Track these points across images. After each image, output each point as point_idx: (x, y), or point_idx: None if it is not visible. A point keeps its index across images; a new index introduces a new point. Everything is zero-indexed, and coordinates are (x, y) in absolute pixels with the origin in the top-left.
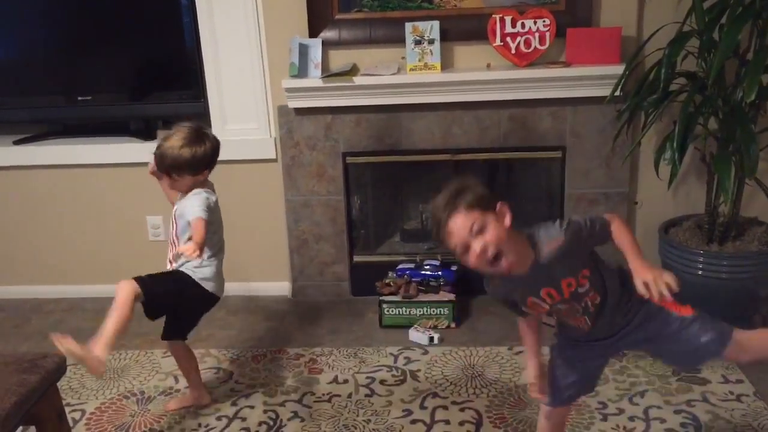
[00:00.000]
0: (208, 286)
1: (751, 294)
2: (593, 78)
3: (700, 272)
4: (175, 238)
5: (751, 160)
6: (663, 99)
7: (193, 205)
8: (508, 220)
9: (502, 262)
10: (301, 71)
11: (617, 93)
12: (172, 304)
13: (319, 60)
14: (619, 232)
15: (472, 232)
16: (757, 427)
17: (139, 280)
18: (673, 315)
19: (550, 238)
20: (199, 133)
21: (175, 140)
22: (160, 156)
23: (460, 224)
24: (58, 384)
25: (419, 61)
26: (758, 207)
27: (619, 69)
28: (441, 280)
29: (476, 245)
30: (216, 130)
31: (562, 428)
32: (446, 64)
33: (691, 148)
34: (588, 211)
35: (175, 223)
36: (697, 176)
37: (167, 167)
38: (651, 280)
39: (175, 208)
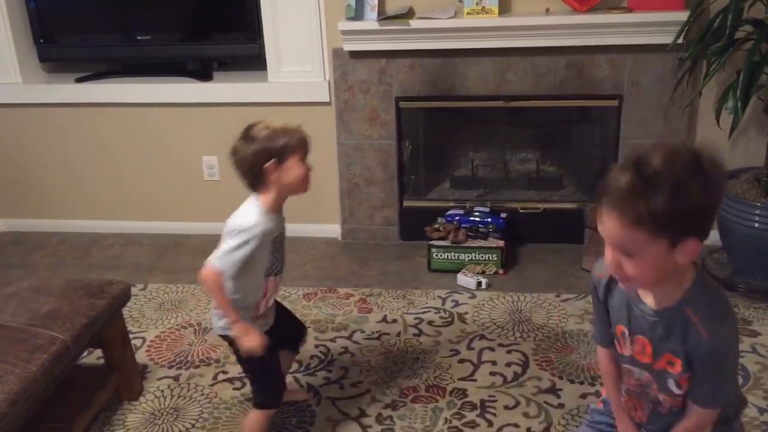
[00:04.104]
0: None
1: None
2: (655, 24)
3: (756, 224)
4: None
5: None
6: (728, 47)
7: None
8: (685, 260)
9: (629, 287)
10: (358, 13)
11: (680, 41)
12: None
13: (376, 2)
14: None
15: (619, 247)
16: None
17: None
18: None
19: (706, 320)
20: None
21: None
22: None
23: (610, 229)
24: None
25: (476, 4)
26: None
27: (683, 15)
28: (490, 227)
29: (613, 258)
30: (271, 72)
31: None
32: (504, 8)
33: (753, 98)
34: None
35: (281, 253)
36: (758, 128)
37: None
38: None
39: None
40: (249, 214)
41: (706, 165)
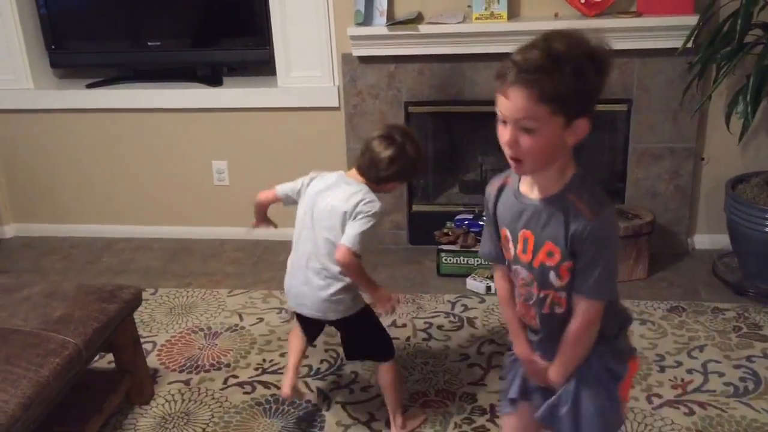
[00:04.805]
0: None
1: None
2: (664, 29)
3: (767, 229)
4: None
5: None
6: (737, 51)
7: None
8: (574, 140)
9: (522, 167)
10: (367, 19)
11: (689, 45)
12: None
13: (385, 8)
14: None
15: (520, 123)
16: None
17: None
18: (614, 395)
19: (589, 203)
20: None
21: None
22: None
23: (514, 103)
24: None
25: (485, 9)
26: None
27: (692, 20)
28: None
29: (511, 136)
30: (281, 77)
31: None
32: (513, 13)
33: (763, 102)
34: (651, 165)
35: None
36: None
37: None
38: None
39: None
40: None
41: (598, 51)
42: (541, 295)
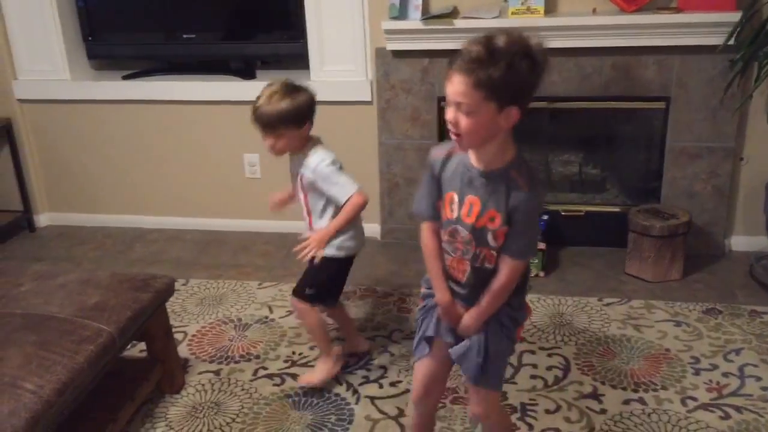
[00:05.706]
0: (348, 252)
1: None
2: (706, 25)
3: None
4: (305, 204)
5: None
6: None
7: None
8: (506, 124)
9: (461, 144)
10: (402, 13)
11: (731, 42)
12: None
13: (420, 2)
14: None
15: (460, 105)
16: None
17: (310, 300)
18: (513, 335)
19: (527, 179)
20: (291, 86)
21: (269, 95)
22: (262, 115)
23: (455, 88)
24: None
25: (522, 4)
26: None
27: (734, 16)
28: None
29: (452, 116)
30: (314, 70)
31: (435, 390)
32: (550, 8)
33: None
34: (689, 165)
35: (302, 187)
36: None
37: (274, 122)
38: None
39: (298, 168)
40: None
41: (535, 51)
42: (477, 251)
